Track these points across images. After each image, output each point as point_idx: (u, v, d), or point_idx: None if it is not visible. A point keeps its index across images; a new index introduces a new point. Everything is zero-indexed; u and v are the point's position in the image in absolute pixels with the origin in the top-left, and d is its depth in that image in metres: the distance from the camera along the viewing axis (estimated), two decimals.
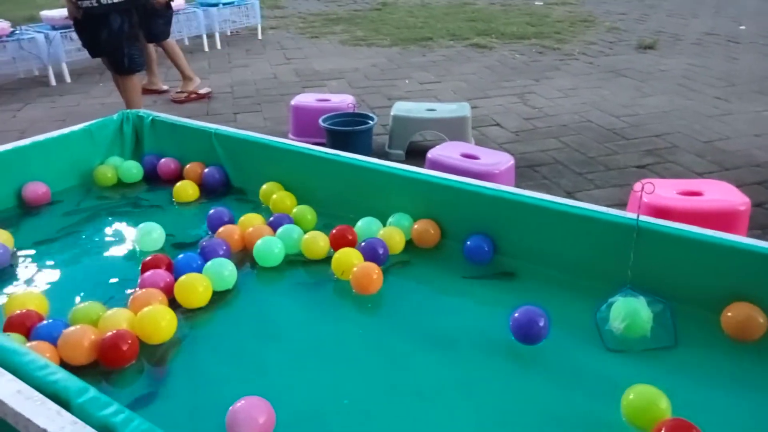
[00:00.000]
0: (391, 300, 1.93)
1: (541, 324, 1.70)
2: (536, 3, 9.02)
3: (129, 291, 1.94)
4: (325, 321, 1.85)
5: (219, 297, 1.96)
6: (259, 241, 2.09)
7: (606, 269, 1.88)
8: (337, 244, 2.08)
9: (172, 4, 4.50)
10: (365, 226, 2.16)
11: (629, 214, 1.83)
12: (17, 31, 4.85)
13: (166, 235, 2.26)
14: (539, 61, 5.65)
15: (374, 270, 1.90)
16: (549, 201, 1.98)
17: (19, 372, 1.24)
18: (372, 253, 2.03)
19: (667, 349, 1.67)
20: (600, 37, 6.64)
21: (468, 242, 2.10)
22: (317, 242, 2.10)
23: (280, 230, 2.16)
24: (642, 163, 3.23)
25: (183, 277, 1.88)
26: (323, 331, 1.80)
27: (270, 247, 2.07)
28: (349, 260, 1.96)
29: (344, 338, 1.77)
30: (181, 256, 2.06)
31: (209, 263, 1.97)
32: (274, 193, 2.47)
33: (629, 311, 1.66)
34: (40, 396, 1.17)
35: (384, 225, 2.21)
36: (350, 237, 2.07)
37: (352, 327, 1.83)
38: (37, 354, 1.33)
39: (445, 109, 3.42)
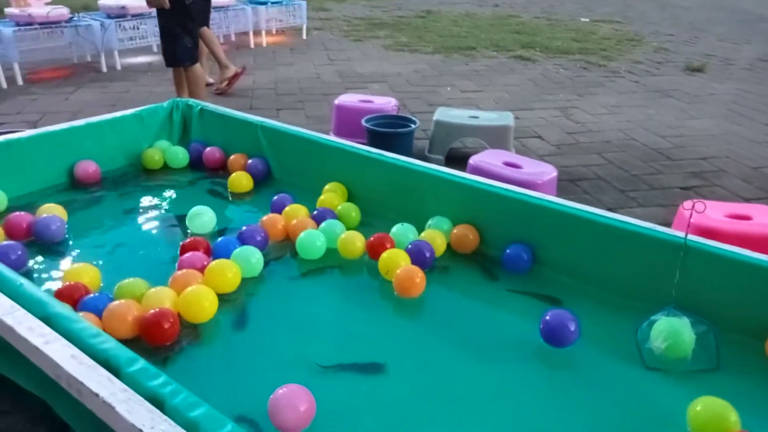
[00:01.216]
0: (429, 303, 1.92)
1: (572, 328, 1.69)
2: (582, 20, 8.93)
3: (172, 270, 2.00)
4: (362, 318, 1.87)
5: (256, 283, 2.00)
6: (302, 233, 2.11)
7: (649, 287, 1.85)
8: (374, 251, 2.08)
9: None
10: (401, 233, 2.15)
11: (677, 233, 1.80)
12: (75, 18, 5.01)
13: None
14: (583, 76, 5.59)
15: (417, 274, 1.90)
16: (595, 213, 1.96)
17: (73, 338, 1.28)
18: (419, 255, 2.03)
19: (708, 372, 1.63)
20: (647, 56, 6.54)
21: (507, 250, 2.09)
22: (354, 242, 2.11)
23: (323, 224, 2.19)
24: (687, 184, 3.16)
25: (213, 263, 1.92)
26: (360, 327, 1.82)
27: (312, 240, 2.10)
28: (396, 261, 1.96)
29: (381, 336, 1.78)
30: (219, 239, 2.11)
31: (237, 250, 2.01)
32: (329, 188, 2.47)
33: (672, 331, 1.63)
34: (93, 362, 1.21)
35: (420, 229, 2.21)
36: (388, 245, 2.07)
37: (389, 327, 1.83)
38: (89, 322, 1.37)
39: (488, 118, 3.41)
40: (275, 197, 2.45)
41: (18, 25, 4.68)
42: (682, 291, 1.76)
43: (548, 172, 2.66)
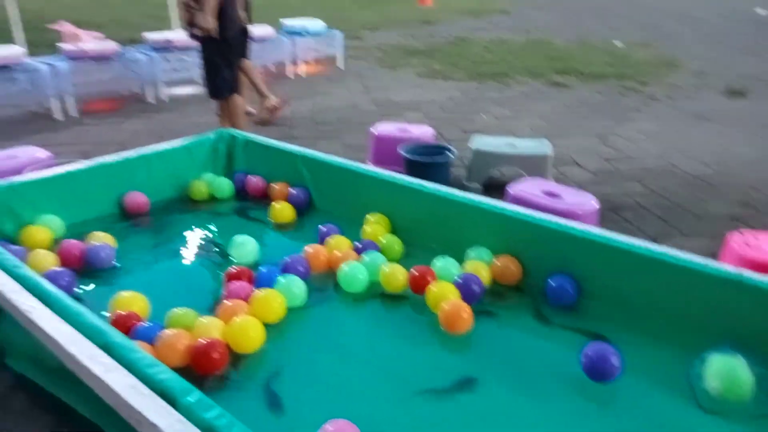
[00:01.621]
0: (473, 336, 1.91)
1: (614, 362, 1.66)
2: (616, 44, 8.89)
3: (217, 299, 2.05)
4: (407, 352, 1.86)
5: (300, 314, 2.03)
6: (344, 266, 2.14)
7: (700, 322, 1.81)
8: (416, 285, 2.08)
9: (253, 30, 4.75)
10: (443, 267, 2.15)
11: (732, 268, 1.76)
12: (123, 52, 5.24)
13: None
14: (620, 101, 5.55)
15: (465, 309, 1.89)
16: (642, 247, 1.93)
17: (131, 367, 1.33)
18: (468, 289, 2.03)
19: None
20: (685, 80, 6.46)
21: (552, 282, 2.07)
22: (396, 276, 2.12)
23: (365, 257, 2.21)
24: (734, 213, 3.08)
25: (259, 293, 1.96)
26: (405, 362, 1.82)
27: (355, 273, 2.12)
28: (446, 296, 1.96)
29: (425, 368, 1.78)
30: (262, 269, 2.15)
31: (281, 279, 2.05)
32: (373, 220, 2.50)
33: (729, 371, 1.59)
34: (152, 392, 1.24)
35: (459, 259, 2.21)
36: (430, 279, 2.07)
37: (434, 361, 1.82)
38: (146, 352, 1.41)
39: (526, 146, 3.41)
40: (322, 227, 2.49)
41: (71, 59, 4.92)
42: (737, 329, 1.72)
43: (589, 202, 2.64)
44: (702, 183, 3.51)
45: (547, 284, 2.07)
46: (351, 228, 2.50)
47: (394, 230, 2.49)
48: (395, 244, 2.33)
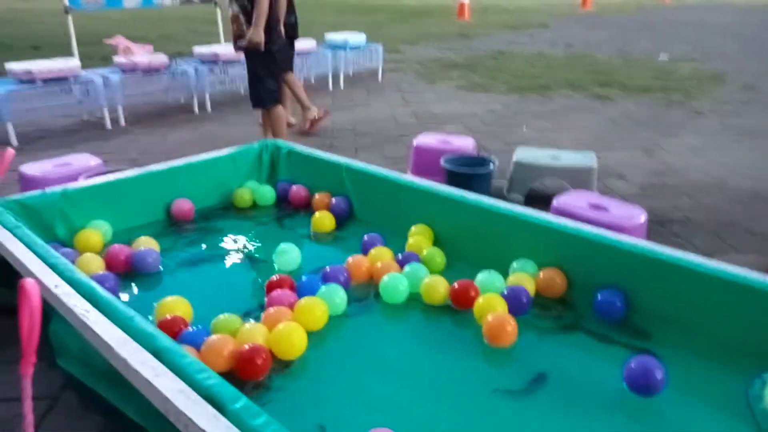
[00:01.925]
0: (517, 349, 1.87)
1: (658, 376, 1.61)
2: (661, 59, 8.70)
3: (261, 306, 2.06)
4: (446, 363, 1.83)
5: (342, 322, 2.02)
6: (385, 277, 2.13)
7: (757, 341, 1.73)
8: (458, 300, 2.05)
9: (297, 44, 4.87)
10: (487, 281, 2.11)
11: None
12: (172, 65, 5.41)
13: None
14: (665, 116, 5.41)
15: (510, 321, 1.86)
16: (695, 262, 1.87)
17: (180, 372, 1.34)
18: (516, 301, 1.99)
19: None
20: (732, 95, 6.26)
21: (599, 296, 2.01)
22: (437, 288, 2.09)
23: (407, 268, 2.19)
24: None
25: (302, 300, 1.97)
26: (444, 372, 1.79)
27: (395, 284, 2.11)
28: (494, 308, 1.93)
29: (466, 381, 1.75)
30: (304, 278, 2.16)
31: (322, 288, 2.06)
32: (416, 231, 2.47)
33: None
34: (200, 398, 1.25)
35: (503, 272, 2.17)
36: (473, 294, 2.04)
37: (474, 372, 1.79)
38: (194, 357, 1.43)
39: (570, 158, 3.35)
40: (365, 237, 2.49)
41: (123, 72, 5.11)
42: None
43: (637, 214, 2.57)
44: (755, 199, 3.38)
45: (595, 298, 2.02)
46: (392, 239, 2.49)
47: (437, 242, 2.47)
48: (437, 256, 2.31)
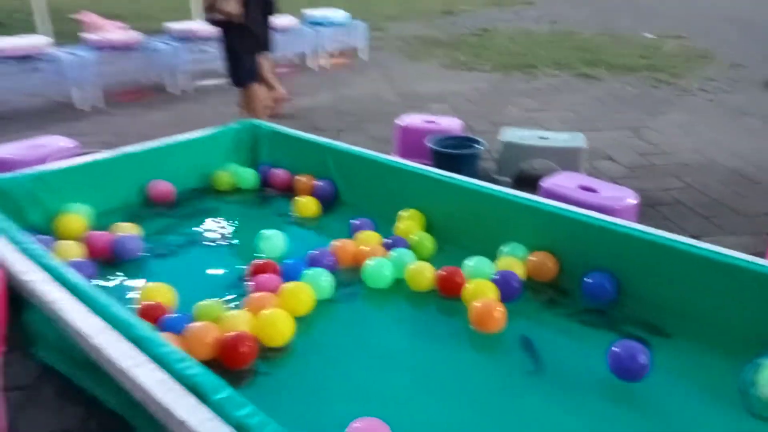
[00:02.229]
0: (504, 335, 1.83)
1: (642, 360, 1.60)
2: (646, 35, 8.66)
3: (242, 291, 2.00)
4: (434, 349, 1.80)
5: (328, 307, 1.97)
6: (369, 261, 2.07)
7: (749, 325, 1.72)
8: (444, 287, 2.00)
9: (276, 21, 4.66)
10: (477, 267, 2.06)
11: None
12: (146, 42, 5.22)
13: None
14: (653, 94, 5.39)
15: (497, 307, 1.82)
16: (687, 244, 1.84)
17: (161, 362, 1.28)
18: (507, 287, 1.95)
19: None
20: (720, 73, 6.25)
21: (589, 279, 1.98)
22: (423, 274, 2.04)
23: (392, 253, 2.13)
24: None
25: (288, 285, 1.91)
26: (429, 358, 1.76)
27: (379, 268, 2.05)
28: (484, 293, 1.89)
29: (454, 367, 1.72)
30: (288, 261, 2.10)
31: (308, 271, 2.00)
32: (407, 216, 2.41)
33: None
34: (181, 388, 1.20)
35: (494, 256, 2.13)
36: (458, 280, 1.99)
37: (462, 359, 1.76)
38: (175, 346, 1.37)
39: (559, 139, 3.31)
40: (355, 221, 2.42)
41: (95, 49, 4.92)
42: None
43: (627, 196, 2.54)
44: (742, 179, 3.38)
45: (584, 281, 1.99)
46: (380, 223, 2.43)
47: (427, 227, 2.41)
48: (427, 241, 2.25)
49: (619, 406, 1.58)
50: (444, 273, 2.02)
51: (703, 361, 1.72)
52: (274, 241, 2.26)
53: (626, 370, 1.62)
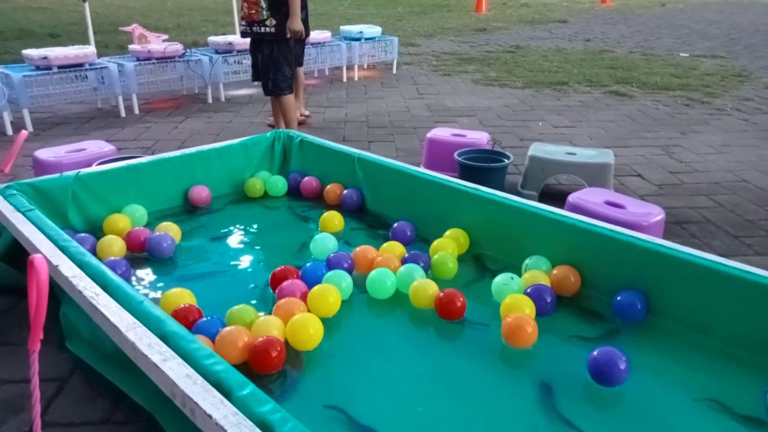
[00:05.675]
0: (534, 350, 1.83)
1: (622, 367, 1.61)
2: (681, 55, 8.55)
3: (269, 296, 2.06)
4: (454, 358, 1.81)
5: (348, 311, 2.00)
6: (372, 272, 2.09)
7: None
8: (442, 310, 1.94)
9: (312, 35, 4.83)
10: (502, 282, 2.04)
11: None
12: (187, 53, 5.41)
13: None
14: (685, 113, 5.31)
15: (530, 323, 1.81)
16: (719, 263, 1.82)
17: (188, 358, 1.33)
18: (540, 302, 1.95)
19: None
20: (757, 93, 6.13)
21: (619, 297, 1.97)
22: (426, 291, 2.00)
23: (402, 268, 2.12)
24: None
25: (316, 288, 1.95)
26: (455, 368, 1.76)
27: (381, 279, 2.05)
28: (521, 308, 1.88)
29: (466, 374, 1.73)
30: (308, 265, 2.15)
31: (328, 273, 2.04)
32: (450, 235, 2.39)
33: None
34: (207, 383, 1.24)
35: (517, 270, 2.12)
36: (459, 304, 1.94)
37: (474, 365, 1.77)
38: (202, 343, 1.42)
39: (586, 154, 3.30)
40: (395, 225, 2.49)
41: (138, 60, 5.12)
42: None
43: (655, 213, 2.52)
44: None
45: (615, 299, 1.97)
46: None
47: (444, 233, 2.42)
48: (449, 262, 2.20)
49: (626, 417, 1.56)
50: (443, 297, 1.93)
51: (733, 380, 1.69)
52: (327, 243, 2.33)
53: (606, 376, 1.64)
